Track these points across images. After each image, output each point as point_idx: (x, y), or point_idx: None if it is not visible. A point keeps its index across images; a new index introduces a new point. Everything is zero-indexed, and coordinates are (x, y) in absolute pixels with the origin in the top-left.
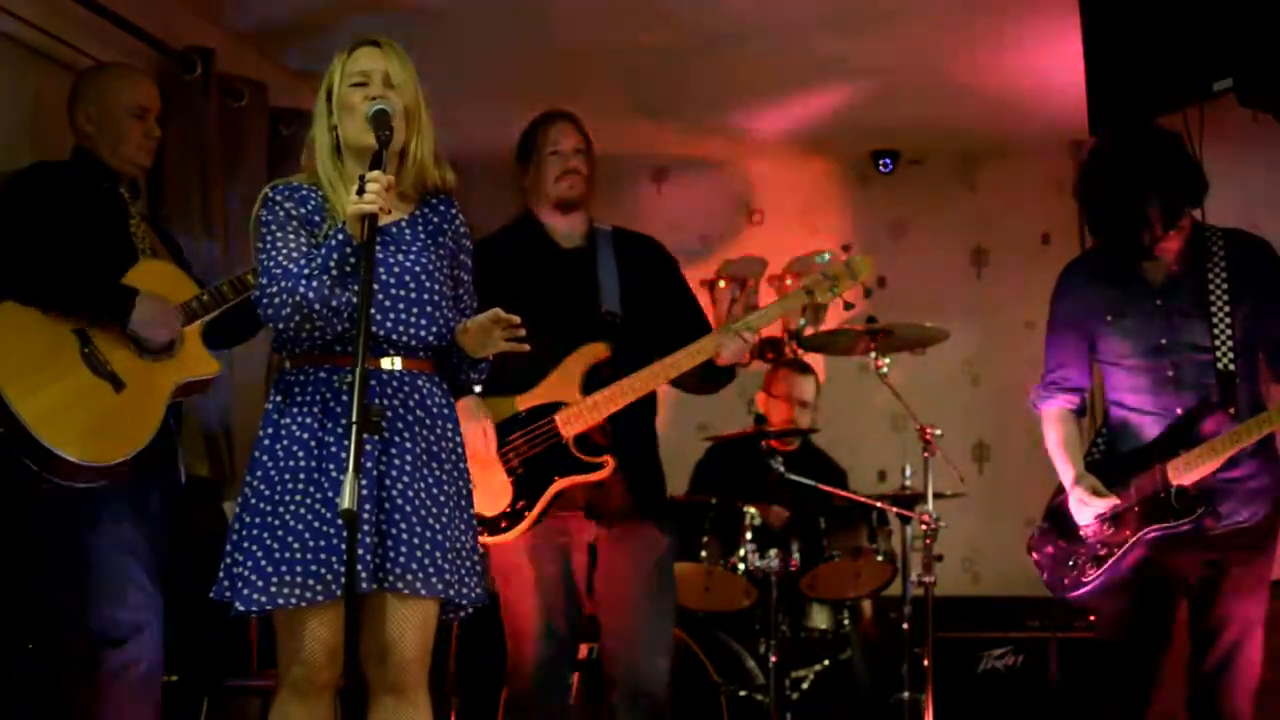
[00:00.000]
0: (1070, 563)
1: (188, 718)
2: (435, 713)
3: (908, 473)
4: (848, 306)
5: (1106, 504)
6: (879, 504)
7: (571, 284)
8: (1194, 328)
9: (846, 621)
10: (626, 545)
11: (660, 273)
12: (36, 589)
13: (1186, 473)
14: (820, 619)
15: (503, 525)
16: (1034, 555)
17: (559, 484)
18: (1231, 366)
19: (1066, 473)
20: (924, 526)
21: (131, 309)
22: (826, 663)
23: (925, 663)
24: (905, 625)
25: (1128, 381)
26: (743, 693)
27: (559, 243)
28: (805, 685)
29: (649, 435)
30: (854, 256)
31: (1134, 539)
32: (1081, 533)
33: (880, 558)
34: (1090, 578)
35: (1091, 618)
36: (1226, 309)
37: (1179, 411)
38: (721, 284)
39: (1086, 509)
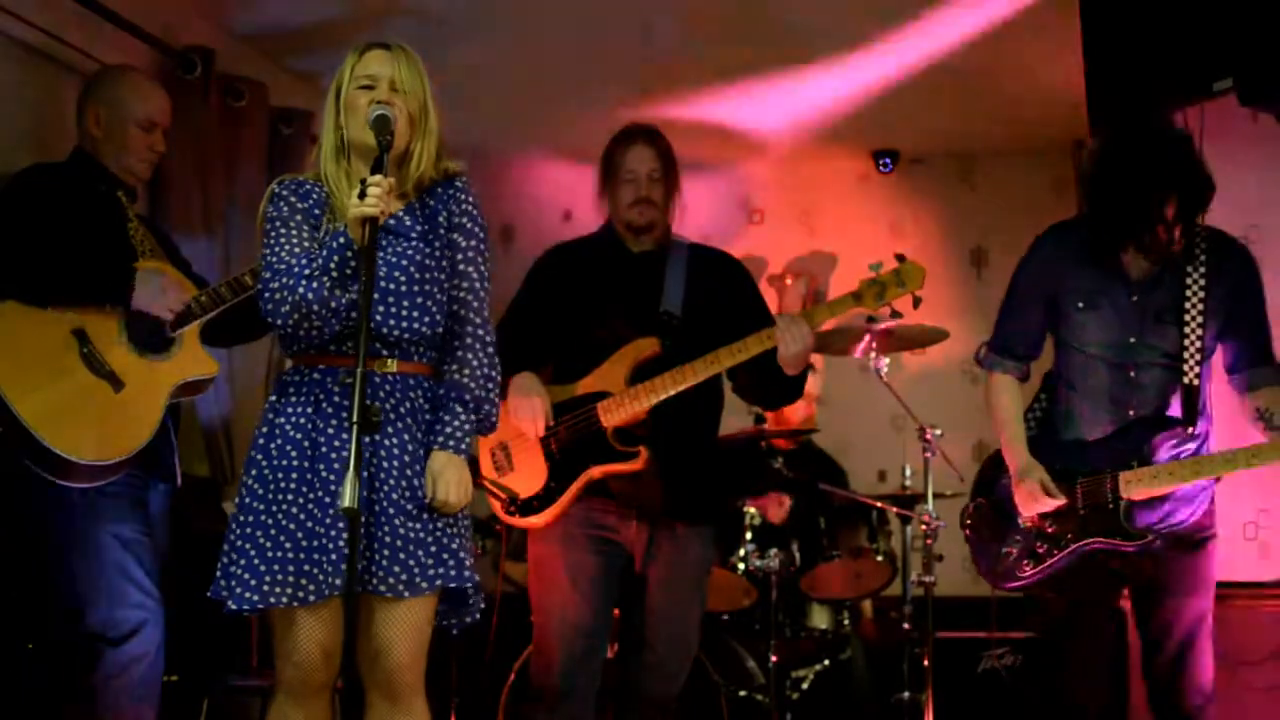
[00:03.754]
0: (1005, 551)
1: (188, 718)
2: (435, 713)
3: (908, 473)
4: (895, 315)
5: (1054, 505)
6: (879, 504)
7: (635, 283)
8: (1165, 333)
9: (846, 621)
10: (665, 555)
11: (729, 283)
12: (36, 588)
13: (1139, 488)
14: (820, 619)
15: (535, 505)
16: (966, 531)
17: (592, 471)
18: (1196, 381)
19: (1013, 459)
20: (924, 526)
21: (131, 287)
22: (826, 663)
23: (925, 663)
24: (905, 625)
25: (1085, 369)
26: (743, 693)
27: (630, 247)
28: (805, 685)
29: (702, 439)
30: (905, 264)
31: (1075, 546)
32: (1020, 521)
33: (880, 558)
34: (1026, 574)
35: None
36: (1200, 319)
37: (1131, 415)
38: None
39: (1034, 504)
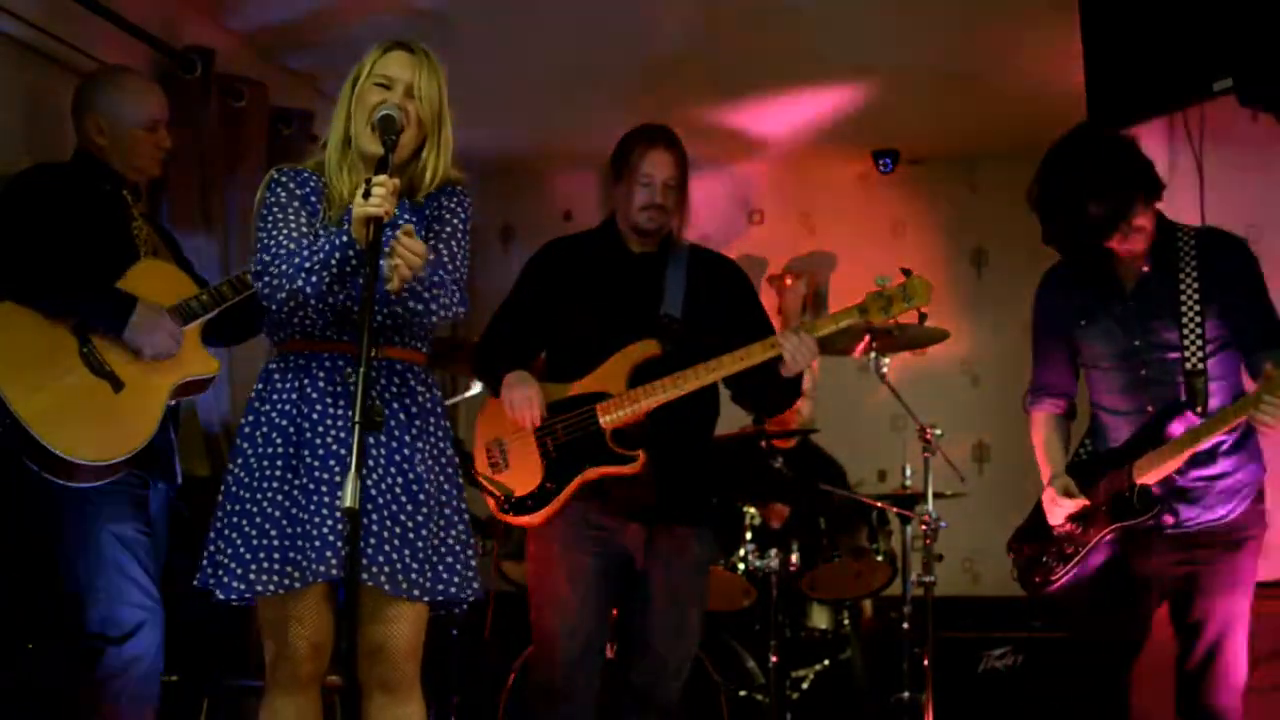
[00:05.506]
0: (1042, 559)
1: (188, 718)
2: (435, 712)
3: (908, 473)
4: (898, 330)
5: (1075, 504)
6: (879, 504)
7: (635, 286)
8: (1165, 328)
9: (846, 621)
10: (663, 556)
11: (729, 288)
12: (36, 588)
13: (1148, 471)
14: (820, 619)
15: (529, 504)
16: (1011, 555)
17: (589, 472)
18: (1200, 365)
19: (1044, 473)
20: (924, 526)
21: (129, 317)
22: (826, 663)
23: (925, 663)
24: (905, 625)
25: (1104, 383)
26: (743, 693)
27: (631, 248)
28: (805, 685)
29: (698, 441)
30: (913, 280)
31: (1097, 537)
32: (1054, 532)
33: (880, 558)
34: (1058, 575)
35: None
36: (1196, 309)
37: (1150, 411)
38: None
39: (1057, 509)
